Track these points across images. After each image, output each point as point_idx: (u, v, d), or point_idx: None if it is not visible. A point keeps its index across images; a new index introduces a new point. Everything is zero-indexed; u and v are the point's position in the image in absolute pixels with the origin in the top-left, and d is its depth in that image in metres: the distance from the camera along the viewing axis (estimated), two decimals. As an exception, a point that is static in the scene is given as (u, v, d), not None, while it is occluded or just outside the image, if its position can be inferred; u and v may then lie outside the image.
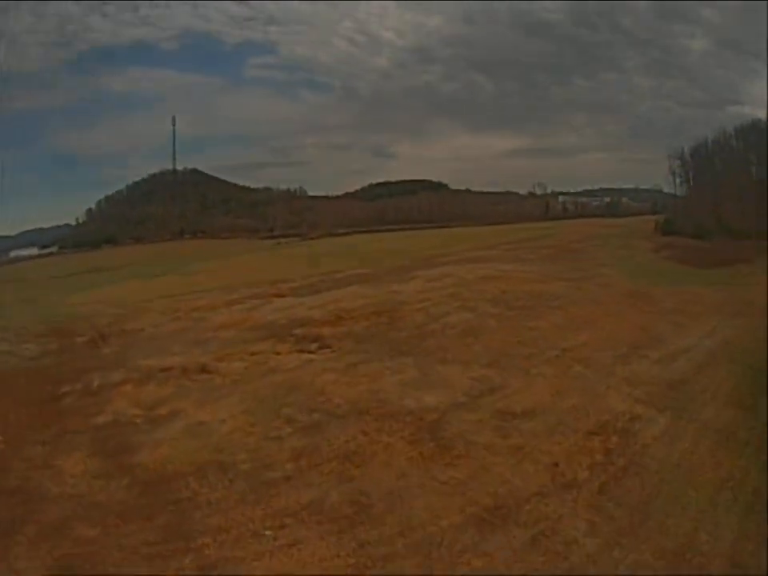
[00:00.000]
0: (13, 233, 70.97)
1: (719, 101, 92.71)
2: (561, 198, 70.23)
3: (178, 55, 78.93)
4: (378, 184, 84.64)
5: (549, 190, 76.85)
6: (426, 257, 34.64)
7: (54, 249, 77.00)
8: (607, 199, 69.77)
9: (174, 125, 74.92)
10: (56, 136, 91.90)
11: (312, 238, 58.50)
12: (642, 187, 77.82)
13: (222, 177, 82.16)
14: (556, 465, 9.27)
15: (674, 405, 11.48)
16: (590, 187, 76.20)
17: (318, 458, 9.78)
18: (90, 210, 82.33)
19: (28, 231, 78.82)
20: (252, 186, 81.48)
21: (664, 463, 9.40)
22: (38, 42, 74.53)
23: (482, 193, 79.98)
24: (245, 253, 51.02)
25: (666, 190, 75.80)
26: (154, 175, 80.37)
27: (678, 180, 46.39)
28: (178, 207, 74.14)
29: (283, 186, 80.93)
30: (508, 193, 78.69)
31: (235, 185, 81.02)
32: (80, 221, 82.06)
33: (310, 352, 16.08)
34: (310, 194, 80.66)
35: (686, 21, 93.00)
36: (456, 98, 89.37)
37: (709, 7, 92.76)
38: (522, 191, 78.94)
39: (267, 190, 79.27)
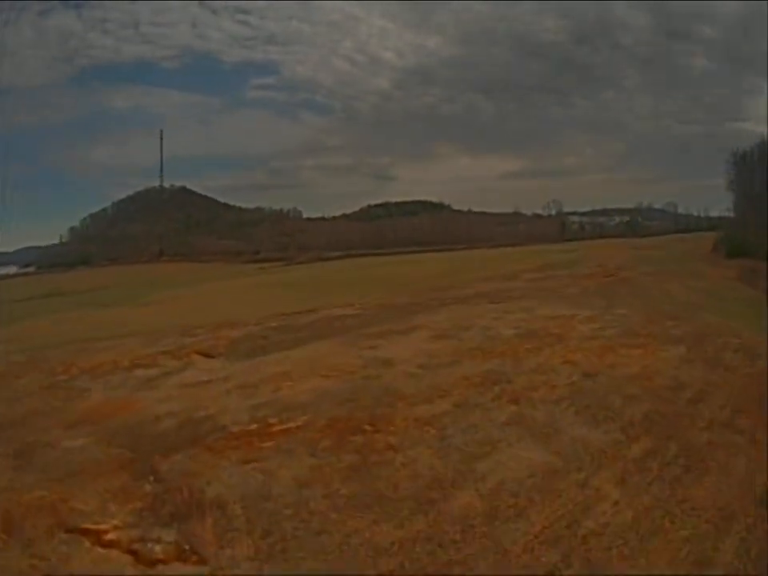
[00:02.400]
0: (10, 249, 66.71)
1: (720, 118, 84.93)
2: (577, 218, 61.06)
3: (178, 74, 73.24)
4: (377, 205, 76.98)
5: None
6: (431, 289, 24.65)
7: (31, 268, 69.90)
8: (626, 218, 60.79)
9: (161, 138, 67.24)
10: (57, 152, 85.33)
11: (300, 263, 49.40)
12: (655, 206, 70.55)
13: (213, 196, 73.69)
14: None
15: None
16: (592, 208, 68.24)
17: None
18: (72, 228, 74.89)
19: (26, 248, 74.20)
20: (243, 206, 72.79)
21: None
22: (39, 57, 67.85)
23: (486, 213, 71.44)
24: (218, 279, 41.50)
25: (680, 210, 67.99)
26: (140, 193, 72.26)
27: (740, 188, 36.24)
28: (161, 227, 65.06)
29: (277, 207, 72.38)
30: (515, 213, 69.82)
31: (225, 204, 72.21)
32: (63, 239, 75.00)
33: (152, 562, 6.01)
34: (307, 215, 72.55)
35: (686, 39, 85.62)
36: (456, 119, 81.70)
37: (709, 25, 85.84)
38: (527, 212, 70.68)
39: (258, 210, 70.19)
